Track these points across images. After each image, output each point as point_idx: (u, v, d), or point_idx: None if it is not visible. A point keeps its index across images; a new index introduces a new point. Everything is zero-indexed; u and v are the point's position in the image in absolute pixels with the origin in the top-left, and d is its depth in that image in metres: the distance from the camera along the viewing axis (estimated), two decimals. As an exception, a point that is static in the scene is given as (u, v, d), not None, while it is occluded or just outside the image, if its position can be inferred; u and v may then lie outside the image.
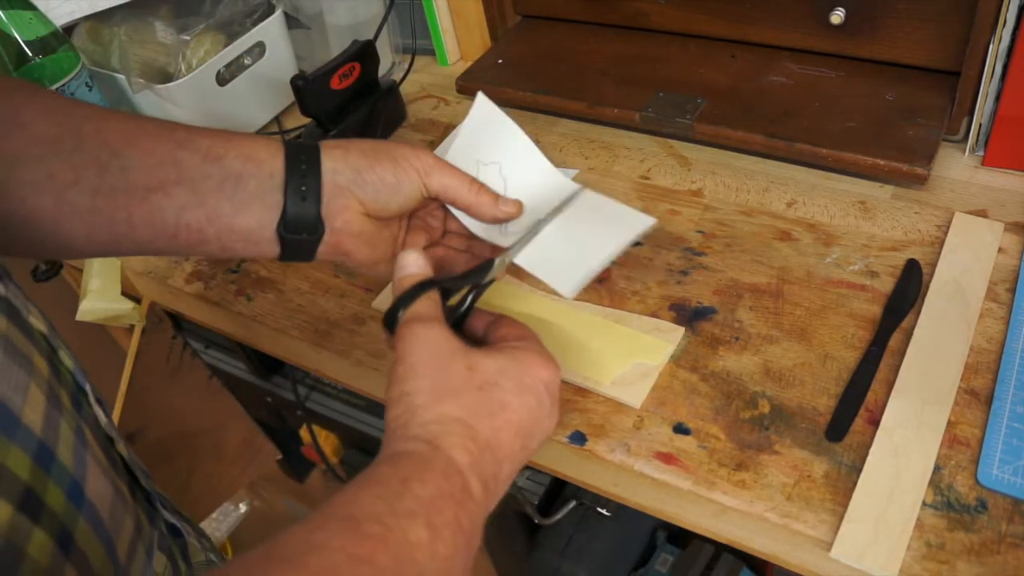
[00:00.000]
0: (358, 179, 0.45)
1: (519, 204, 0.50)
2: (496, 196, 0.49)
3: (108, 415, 0.43)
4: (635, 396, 0.55)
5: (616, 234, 0.51)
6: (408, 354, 0.39)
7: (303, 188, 0.44)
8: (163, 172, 0.42)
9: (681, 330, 0.59)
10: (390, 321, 0.42)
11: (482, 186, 0.49)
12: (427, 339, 0.39)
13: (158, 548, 0.44)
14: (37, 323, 0.39)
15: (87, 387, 0.41)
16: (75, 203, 0.42)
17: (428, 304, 0.42)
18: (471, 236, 0.53)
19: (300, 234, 0.45)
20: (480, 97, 0.55)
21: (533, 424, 0.40)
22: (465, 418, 0.37)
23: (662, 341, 0.58)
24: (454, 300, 0.46)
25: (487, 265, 0.47)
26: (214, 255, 0.49)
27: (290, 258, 0.46)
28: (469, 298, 0.46)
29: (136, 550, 0.40)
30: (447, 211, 0.52)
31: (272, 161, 0.44)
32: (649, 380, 0.56)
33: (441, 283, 0.44)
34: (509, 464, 0.39)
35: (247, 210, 0.44)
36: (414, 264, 0.44)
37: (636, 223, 0.52)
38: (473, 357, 0.39)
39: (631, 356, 0.58)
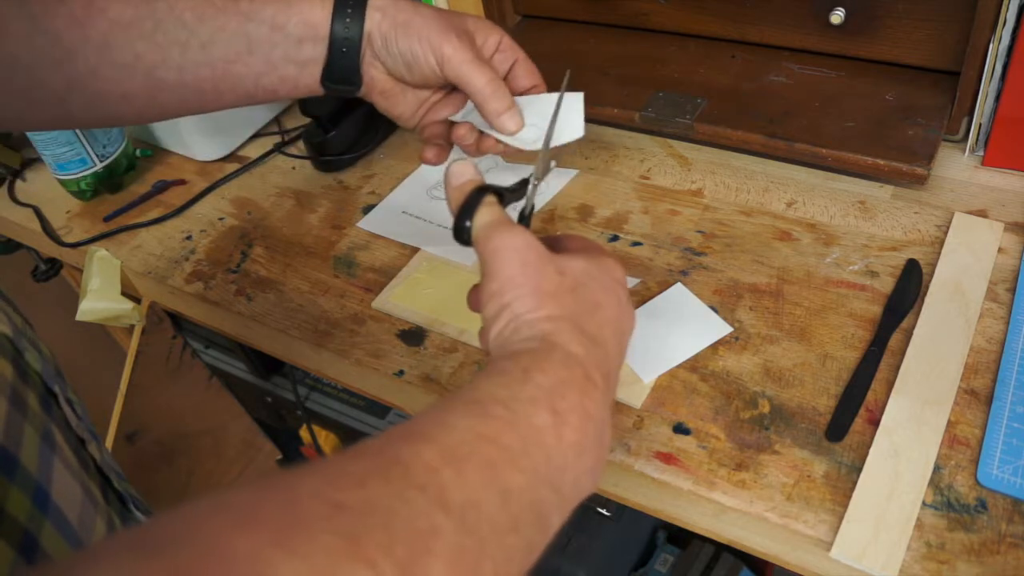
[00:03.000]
0: (383, 47, 0.50)
1: (520, 123, 0.51)
2: (507, 106, 0.50)
3: (80, 416, 0.43)
4: (635, 396, 0.55)
5: (698, 336, 0.58)
6: (500, 268, 0.38)
7: (344, 49, 0.49)
8: (238, 44, 0.48)
9: (681, 330, 0.59)
10: (460, 231, 0.41)
11: (497, 89, 0.49)
12: (515, 248, 0.39)
13: None
14: (1, 326, 0.38)
15: (56, 388, 0.41)
16: (164, 79, 0.47)
17: (497, 210, 0.41)
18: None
19: (341, 85, 0.51)
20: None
21: (623, 322, 0.41)
22: (571, 317, 0.38)
23: (662, 341, 0.58)
24: None
25: (525, 183, 0.46)
26: (279, 101, 0.58)
27: (336, 95, 0.53)
28: (530, 207, 0.45)
29: None
30: None
31: (324, 23, 0.49)
32: (649, 380, 0.56)
33: (498, 189, 0.43)
34: (616, 361, 0.40)
35: (308, 69, 0.50)
36: (467, 172, 0.43)
37: (717, 328, 0.59)
38: (559, 261, 0.39)
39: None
